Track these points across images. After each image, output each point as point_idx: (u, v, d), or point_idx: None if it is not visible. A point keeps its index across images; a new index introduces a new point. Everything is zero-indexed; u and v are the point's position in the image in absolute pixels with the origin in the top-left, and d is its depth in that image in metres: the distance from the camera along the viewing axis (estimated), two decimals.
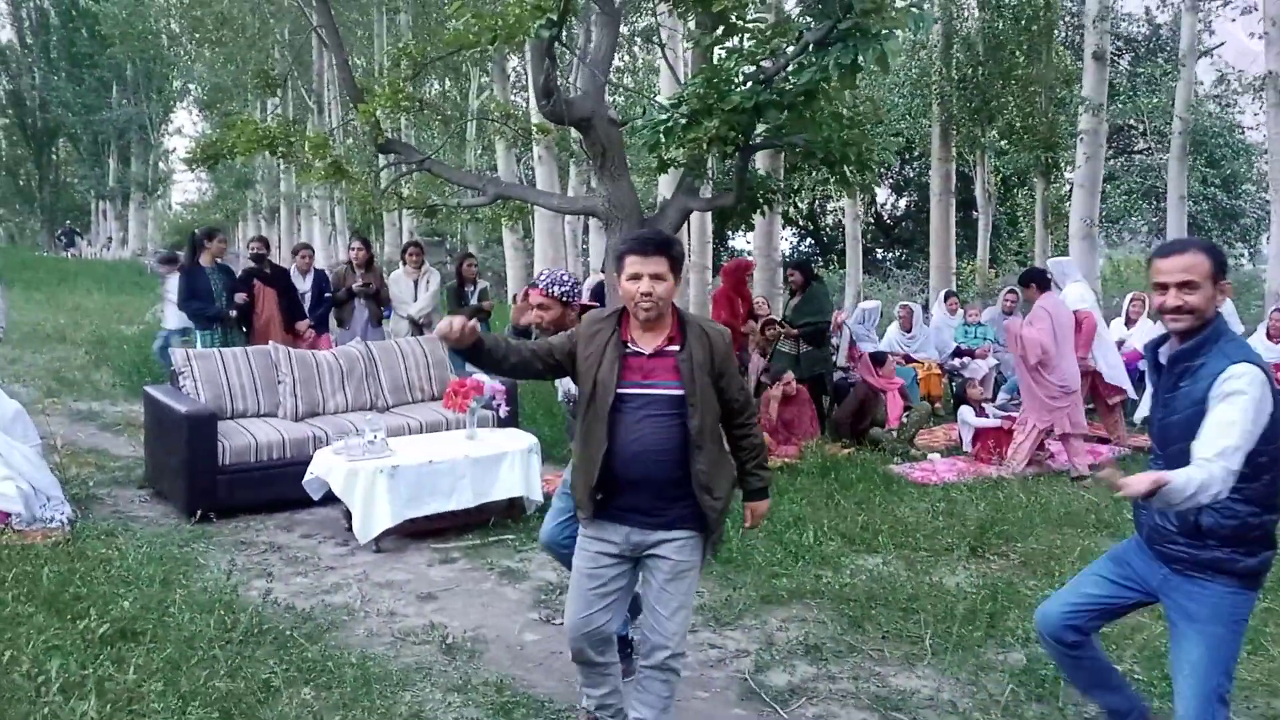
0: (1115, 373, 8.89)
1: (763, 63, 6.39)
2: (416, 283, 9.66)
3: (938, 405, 10.14)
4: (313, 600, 4.95)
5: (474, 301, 9.82)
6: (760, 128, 7.05)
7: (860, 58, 5.37)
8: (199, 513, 6.21)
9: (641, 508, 3.16)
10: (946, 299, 11.47)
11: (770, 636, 4.63)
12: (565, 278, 4.04)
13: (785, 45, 6.39)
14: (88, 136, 38.18)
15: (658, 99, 8.99)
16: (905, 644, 4.54)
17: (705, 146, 6.14)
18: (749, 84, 6.26)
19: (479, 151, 24.59)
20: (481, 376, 6.64)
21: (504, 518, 6.26)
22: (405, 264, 9.69)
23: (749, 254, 19.49)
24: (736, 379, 3.28)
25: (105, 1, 31.45)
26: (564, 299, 4.00)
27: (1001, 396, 9.80)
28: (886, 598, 5.05)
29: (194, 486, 6.29)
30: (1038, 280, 8.04)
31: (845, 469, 7.65)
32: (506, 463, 6.18)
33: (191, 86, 36.64)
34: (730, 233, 27.61)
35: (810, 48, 5.94)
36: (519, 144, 20.98)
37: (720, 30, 6.83)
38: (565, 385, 4.05)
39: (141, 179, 37.77)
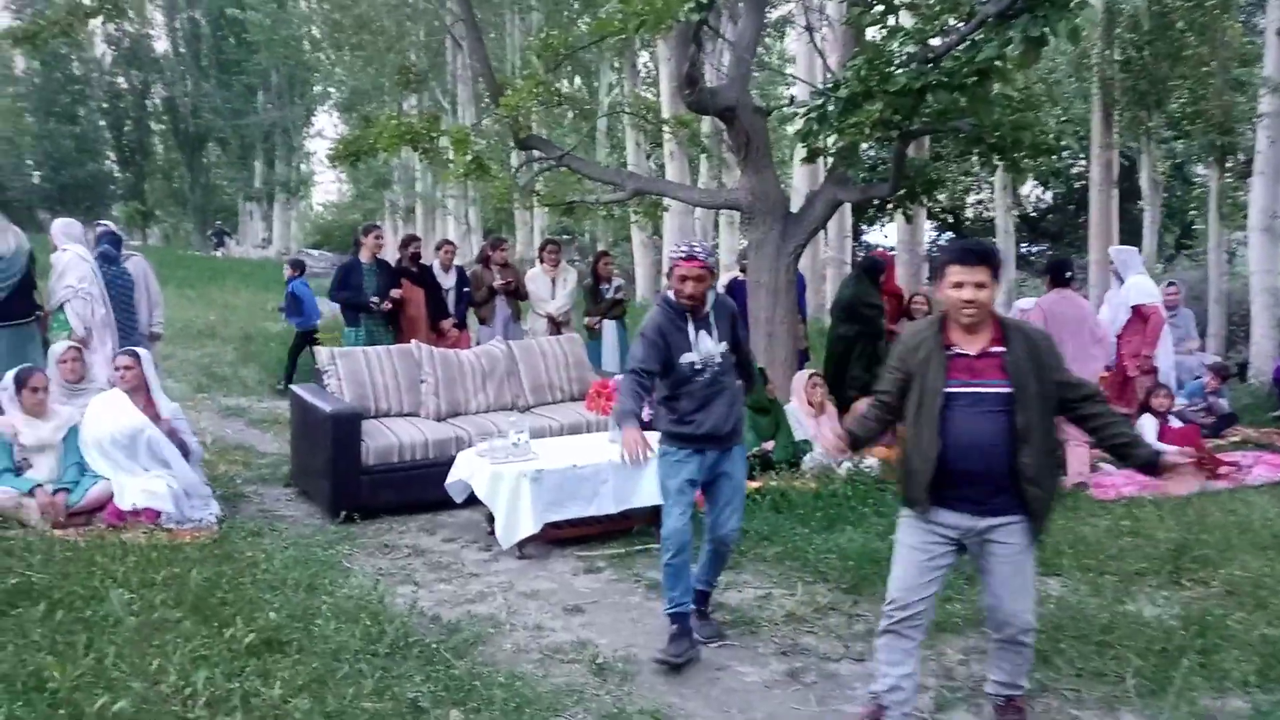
0: (1167, 371, 8.30)
1: (930, 41, 5.92)
2: (554, 280, 9.51)
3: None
4: (458, 610, 4.76)
5: (610, 297, 9.65)
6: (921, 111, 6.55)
7: (1048, 30, 4.86)
8: (343, 514, 6.14)
9: (972, 497, 3.39)
10: (1168, 287, 10.54)
11: (950, 670, 4.20)
12: (706, 244, 4.32)
13: (955, 21, 5.90)
14: (236, 140, 39.86)
15: (795, 85, 8.54)
16: (1104, 684, 4.04)
17: (866, 132, 5.72)
18: (913, 64, 5.79)
19: (608, 149, 24.53)
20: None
21: (647, 525, 5.97)
22: (542, 262, 9.56)
23: (887, 248, 18.81)
24: (1066, 372, 3.44)
25: (252, 10, 32.74)
26: (711, 267, 4.24)
27: (1179, 402, 9.00)
28: (1077, 629, 4.54)
29: (338, 487, 6.22)
30: (1053, 273, 7.32)
31: None
32: (650, 469, 5.87)
33: (332, 90, 37.83)
34: (866, 226, 26.82)
35: (987, 22, 5.43)
36: (650, 140, 20.82)
37: (880, 8, 6.39)
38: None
39: (285, 180, 39.27)
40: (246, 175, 40.87)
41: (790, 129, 7.37)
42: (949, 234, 30.70)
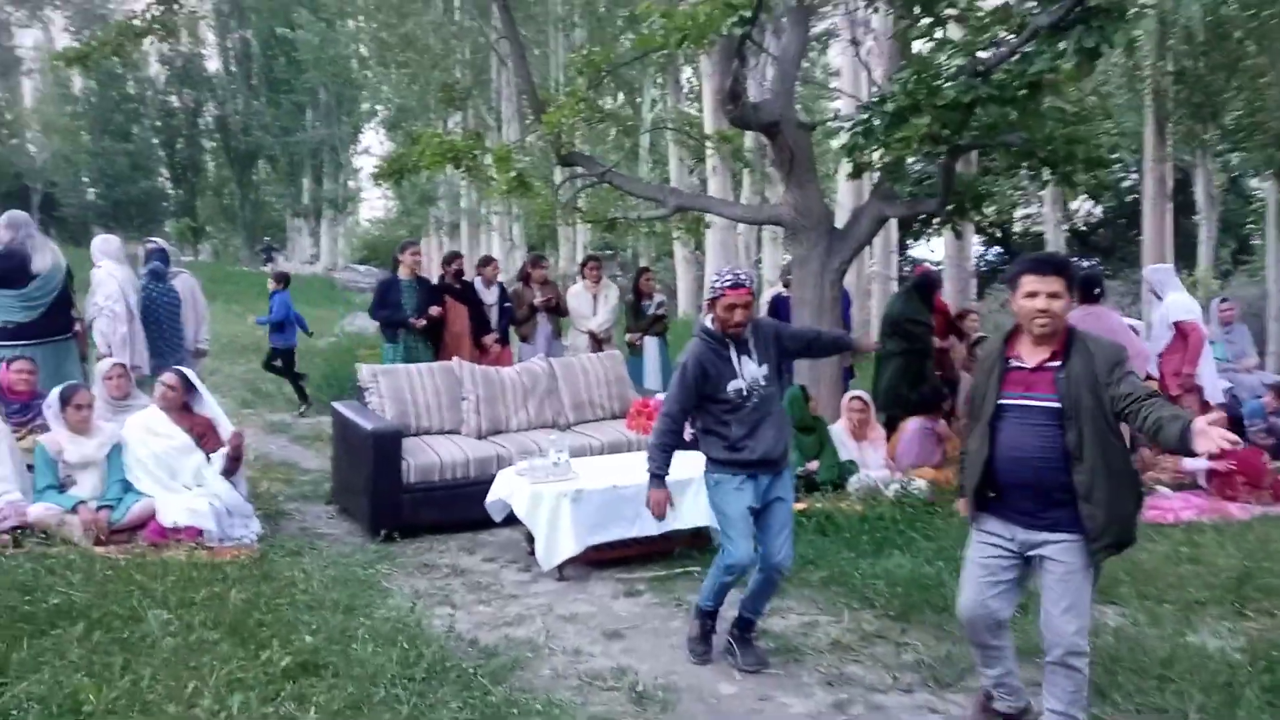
0: (1212, 389, 8.11)
1: (979, 53, 5.78)
2: (596, 297, 9.47)
3: None
4: (496, 633, 4.69)
5: (652, 313, 9.59)
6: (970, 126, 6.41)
7: (1104, 43, 4.71)
8: (383, 532, 6.10)
9: (1023, 508, 3.43)
10: (1221, 303, 10.26)
11: None
12: (749, 271, 4.40)
13: (1005, 33, 5.77)
14: (284, 157, 40.44)
15: (838, 99, 8.41)
16: None
17: (914, 147, 5.59)
18: (962, 77, 5.66)
19: (650, 165, 24.51)
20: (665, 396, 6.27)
21: (688, 548, 5.87)
22: (584, 278, 9.52)
23: (933, 263, 18.53)
24: (1125, 383, 3.29)
25: (301, 29, 33.25)
26: (754, 294, 4.33)
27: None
28: (1136, 661, 4.36)
29: (378, 505, 6.20)
30: (1082, 288, 7.11)
31: None
32: (692, 490, 5.78)
33: (378, 108, 38.29)
34: (911, 241, 26.50)
35: (1039, 33, 5.29)
36: (691, 155, 20.76)
37: (927, 20, 6.26)
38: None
39: (332, 196, 39.74)
40: (295, 192, 41.45)
41: (834, 144, 7.24)
42: (996, 249, 30.28)
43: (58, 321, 6.78)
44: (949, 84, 5.61)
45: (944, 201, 7.13)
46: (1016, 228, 29.86)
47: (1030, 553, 3.45)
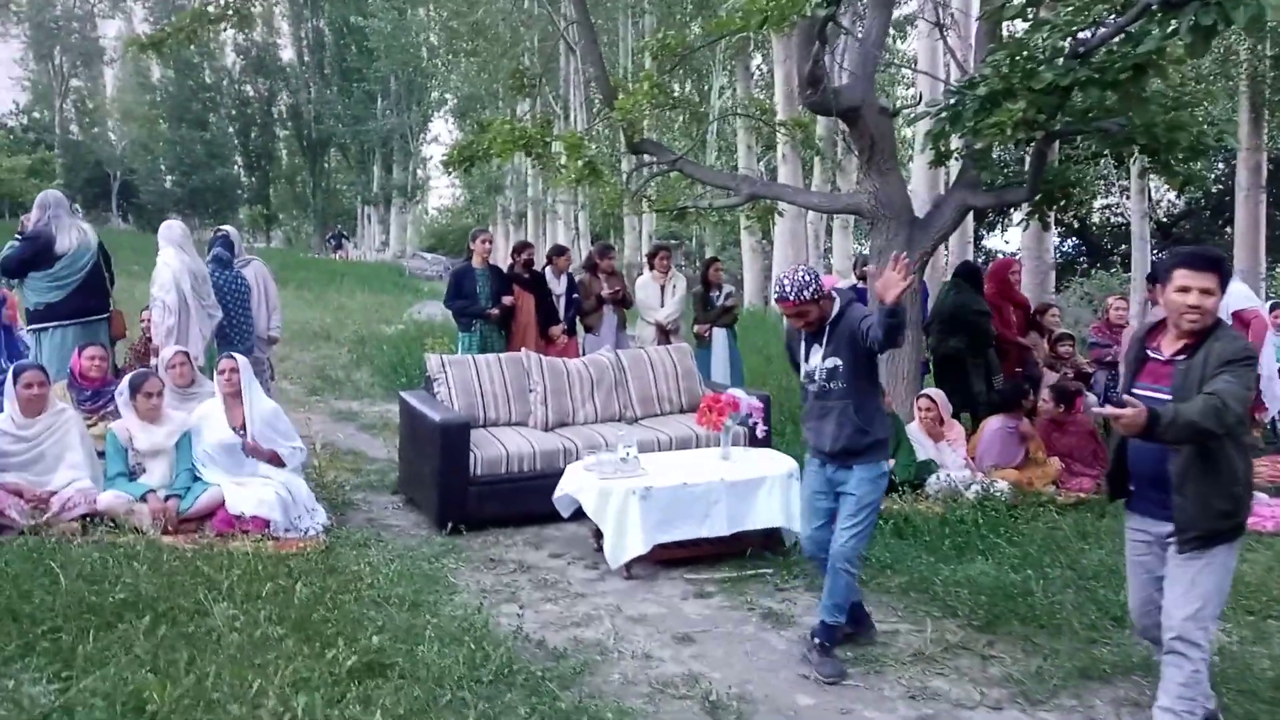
0: (1269, 385, 7.81)
1: (1079, 34, 5.46)
2: (664, 288, 9.28)
3: (1257, 432, 8.66)
4: (564, 634, 4.55)
5: (720, 304, 9.37)
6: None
7: (1221, 20, 4.37)
8: (449, 525, 6.01)
9: (1153, 499, 3.47)
10: (1272, 310, 9.79)
11: None
12: (805, 278, 4.13)
13: (1109, 14, 5.43)
14: (355, 146, 41.02)
15: (915, 85, 8.09)
16: None
17: (1007, 133, 5.29)
18: (1059, 59, 5.35)
19: (717, 153, 24.24)
20: (738, 392, 6.08)
21: (760, 549, 5.68)
22: (652, 269, 9.34)
23: (1008, 255, 17.97)
24: (1218, 380, 3.18)
25: (374, 17, 33.57)
26: (815, 298, 4.14)
27: None
28: (1241, 681, 4.08)
29: (445, 497, 6.11)
30: (1162, 278, 6.67)
31: None
32: (765, 488, 5.60)
33: (448, 97, 38.56)
34: (985, 232, 25.85)
35: (1149, 11, 4.95)
36: (760, 143, 20.45)
37: (1021, 0, 5.95)
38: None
39: (402, 185, 40.20)
40: (365, 180, 42.02)
41: (911, 130, 6.96)
42: (1074, 240, 29.40)
43: (90, 302, 6.80)
44: (1045, 67, 5.30)
45: (1033, 190, 6.79)
46: (1095, 218, 28.94)
47: (1163, 543, 3.47)
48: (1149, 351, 3.50)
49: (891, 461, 6.70)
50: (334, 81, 40.83)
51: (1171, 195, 28.39)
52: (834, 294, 4.29)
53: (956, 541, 5.77)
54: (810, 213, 18.18)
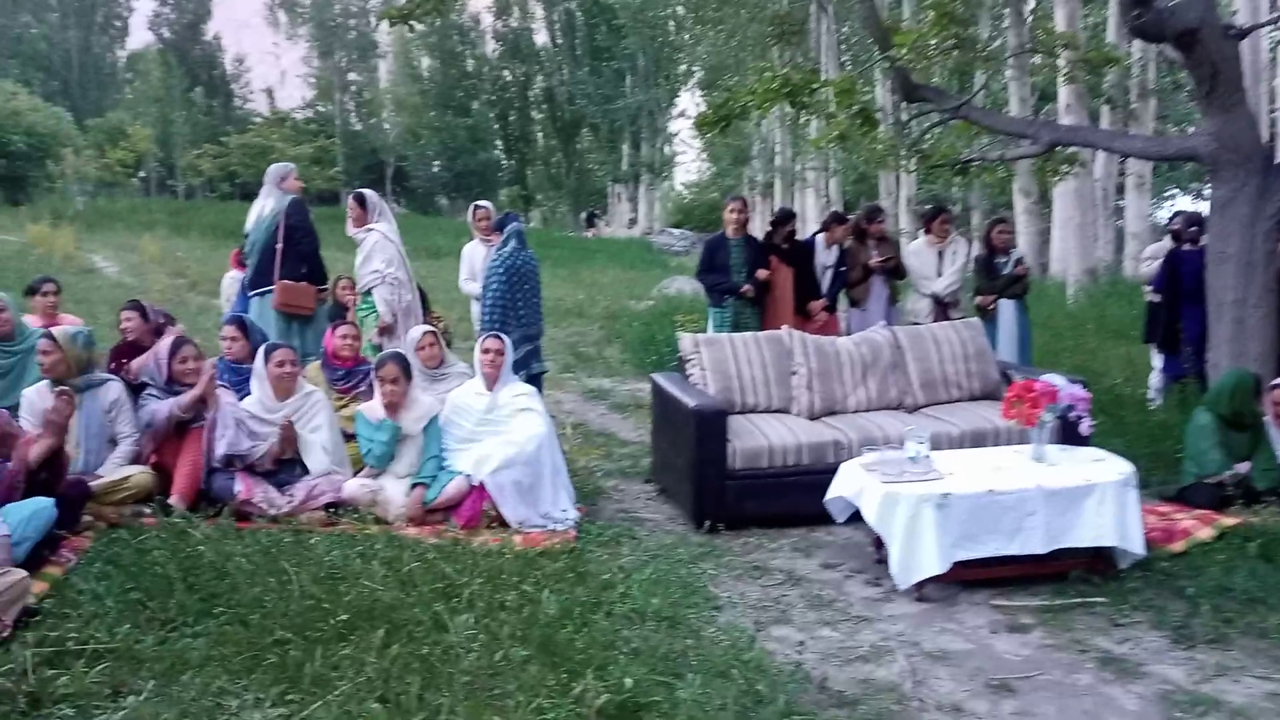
0: None
1: None
2: (941, 254, 8.20)
3: None
4: (849, 671, 3.78)
5: (1008, 272, 8.15)
6: None
7: None
8: (706, 523, 5.39)
9: None
10: None
11: None
12: None
13: None
14: (605, 124, 41.59)
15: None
16: None
17: None
18: None
19: (984, 104, 22.29)
20: (1054, 378, 5.02)
21: (1085, 571, 4.64)
22: (929, 234, 8.28)
23: None
24: None
25: None
26: None
27: None
28: None
29: (701, 492, 5.48)
30: None
31: None
32: (1094, 498, 4.55)
33: (695, 69, 38.25)
34: None
35: None
36: (1036, 94, 18.51)
37: None
38: None
39: (650, 161, 40.36)
40: (615, 158, 42.59)
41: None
42: None
43: (267, 276, 6.61)
44: None
45: None
46: None
47: None
48: None
49: (1248, 465, 5.47)
50: (585, 61, 41.56)
51: None
52: None
53: None
54: (1099, 170, 16.20)
